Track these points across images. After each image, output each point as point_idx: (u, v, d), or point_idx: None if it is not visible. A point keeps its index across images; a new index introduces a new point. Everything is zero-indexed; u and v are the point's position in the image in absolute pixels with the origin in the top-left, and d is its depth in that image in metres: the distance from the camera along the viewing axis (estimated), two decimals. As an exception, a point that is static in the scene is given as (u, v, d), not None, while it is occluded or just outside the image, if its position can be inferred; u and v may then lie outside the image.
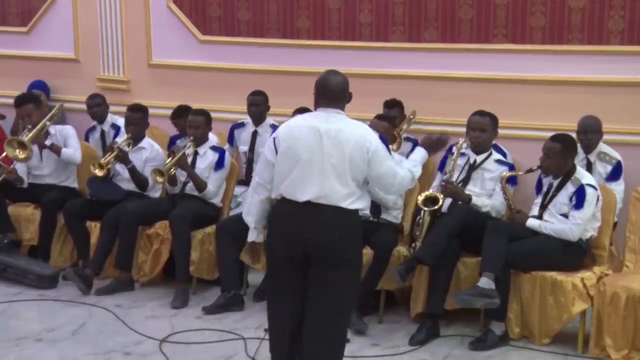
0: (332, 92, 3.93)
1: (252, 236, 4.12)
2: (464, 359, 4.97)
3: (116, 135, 7.02)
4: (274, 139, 3.96)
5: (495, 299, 4.90)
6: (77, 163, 6.60)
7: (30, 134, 6.31)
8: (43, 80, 7.92)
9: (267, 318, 4.06)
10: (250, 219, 4.11)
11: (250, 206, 4.10)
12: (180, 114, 6.62)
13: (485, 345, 5.07)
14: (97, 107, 7.16)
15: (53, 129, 6.59)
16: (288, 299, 3.93)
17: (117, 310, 5.65)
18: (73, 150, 6.54)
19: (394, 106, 6.45)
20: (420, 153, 4.51)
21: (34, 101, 6.62)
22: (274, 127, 6.30)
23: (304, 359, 3.96)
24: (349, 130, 3.87)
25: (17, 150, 6.29)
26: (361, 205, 3.92)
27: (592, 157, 5.69)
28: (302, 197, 3.81)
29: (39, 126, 6.38)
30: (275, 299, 4.01)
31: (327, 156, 3.81)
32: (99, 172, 6.19)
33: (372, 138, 3.91)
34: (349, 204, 3.84)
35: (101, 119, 7.22)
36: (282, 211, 3.91)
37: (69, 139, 6.57)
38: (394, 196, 5.53)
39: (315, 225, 3.80)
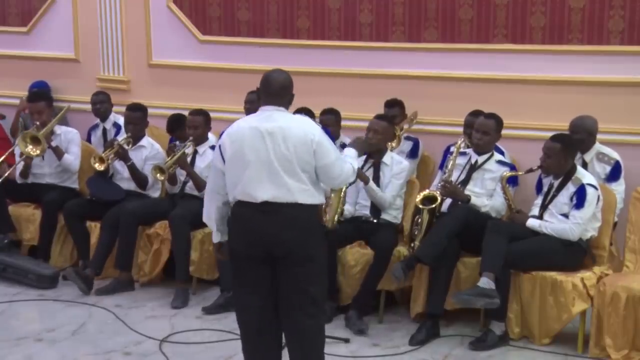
0: (273, 89, 3.98)
1: (218, 237, 4.17)
2: (464, 359, 4.97)
3: (117, 134, 7.03)
4: (219, 146, 4.00)
5: (495, 299, 4.90)
6: (74, 171, 6.61)
7: (44, 130, 6.33)
8: (44, 81, 7.92)
9: (236, 317, 4.11)
10: (211, 222, 4.15)
11: (210, 212, 4.14)
12: (177, 125, 6.48)
13: (485, 345, 5.07)
14: (100, 104, 7.18)
15: (59, 129, 6.61)
16: (252, 295, 3.98)
17: (117, 310, 5.65)
18: (74, 157, 6.56)
19: (394, 105, 6.46)
20: (351, 151, 4.42)
21: (47, 99, 6.68)
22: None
23: (290, 356, 4.03)
24: (292, 125, 3.91)
25: (30, 146, 6.30)
26: (317, 200, 3.97)
27: (588, 157, 5.67)
28: (258, 198, 3.86)
29: (49, 125, 6.41)
30: (239, 297, 4.07)
31: (274, 154, 3.85)
32: (99, 166, 6.20)
33: (315, 130, 3.95)
34: (305, 199, 3.88)
35: (104, 117, 7.24)
36: (240, 214, 3.95)
37: (72, 145, 6.59)
38: (389, 196, 5.54)
39: (275, 225, 3.86)
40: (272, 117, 3.93)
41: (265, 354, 4.07)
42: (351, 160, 4.23)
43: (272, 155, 3.85)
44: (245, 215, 3.92)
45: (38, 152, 6.31)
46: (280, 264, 3.91)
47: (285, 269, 3.91)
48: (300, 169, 3.87)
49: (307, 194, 3.90)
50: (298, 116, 4.12)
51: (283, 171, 3.85)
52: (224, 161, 3.97)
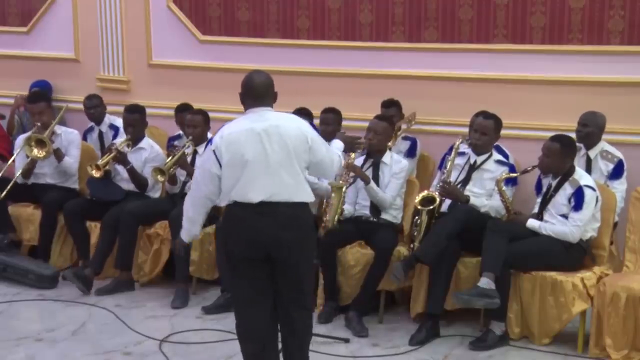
0: (257, 92, 4.03)
1: (189, 238, 4.23)
2: (464, 359, 4.97)
3: (115, 136, 7.02)
4: (213, 151, 3.97)
5: (495, 299, 4.90)
6: (72, 174, 6.60)
7: (47, 132, 6.33)
8: (45, 80, 7.91)
9: (236, 321, 4.07)
10: (194, 227, 4.16)
11: (195, 217, 4.12)
12: (183, 108, 6.68)
13: (485, 345, 5.07)
14: (94, 108, 7.17)
15: (59, 129, 6.61)
16: (256, 297, 3.98)
17: (117, 310, 5.65)
18: (73, 160, 6.56)
19: (391, 105, 6.46)
20: (339, 143, 4.57)
21: (47, 100, 6.68)
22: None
23: (284, 346, 4.08)
24: (285, 123, 3.98)
25: (36, 150, 6.29)
26: (310, 197, 4.02)
27: (593, 153, 5.68)
28: (255, 198, 3.88)
29: (51, 127, 6.41)
30: (242, 301, 4.04)
31: (272, 153, 3.89)
32: (96, 174, 6.18)
33: (307, 127, 4.04)
34: (300, 196, 3.94)
35: (99, 120, 7.23)
36: (236, 215, 3.95)
37: (71, 147, 6.58)
38: (390, 196, 5.55)
39: (273, 226, 3.88)
40: (264, 117, 3.98)
41: (268, 347, 4.07)
42: (338, 151, 4.33)
43: (270, 154, 3.89)
44: (242, 217, 3.93)
45: (44, 154, 6.30)
46: (278, 265, 3.94)
47: (283, 269, 3.94)
48: (298, 165, 3.93)
49: (302, 192, 3.96)
50: (287, 114, 4.16)
51: (281, 169, 3.89)
52: (220, 166, 3.95)
